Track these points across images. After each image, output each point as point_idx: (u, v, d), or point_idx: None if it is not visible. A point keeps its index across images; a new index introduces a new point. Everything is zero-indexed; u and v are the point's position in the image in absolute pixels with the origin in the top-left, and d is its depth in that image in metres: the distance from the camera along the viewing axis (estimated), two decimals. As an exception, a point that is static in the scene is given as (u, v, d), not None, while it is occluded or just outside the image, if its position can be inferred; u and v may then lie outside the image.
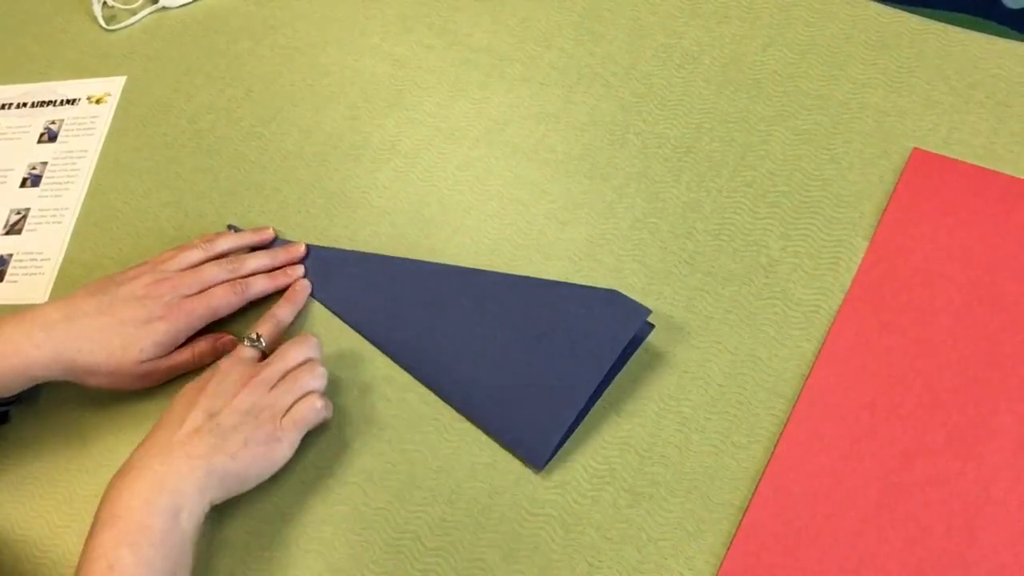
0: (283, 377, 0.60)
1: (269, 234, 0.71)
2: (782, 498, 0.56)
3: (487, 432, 0.61)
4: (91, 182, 0.80)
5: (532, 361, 0.61)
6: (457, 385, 0.63)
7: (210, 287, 0.66)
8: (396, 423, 0.63)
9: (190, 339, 0.66)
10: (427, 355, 0.64)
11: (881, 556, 0.53)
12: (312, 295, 0.69)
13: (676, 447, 0.59)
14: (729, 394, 0.60)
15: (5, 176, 0.83)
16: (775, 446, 0.57)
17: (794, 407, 0.58)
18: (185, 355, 0.65)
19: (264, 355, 0.63)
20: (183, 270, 0.66)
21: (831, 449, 0.56)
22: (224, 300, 0.66)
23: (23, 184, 0.82)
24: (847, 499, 0.55)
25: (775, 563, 0.54)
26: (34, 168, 0.83)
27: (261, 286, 0.68)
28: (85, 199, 0.80)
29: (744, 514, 0.56)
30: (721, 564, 0.55)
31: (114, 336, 0.61)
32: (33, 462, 0.67)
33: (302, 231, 0.73)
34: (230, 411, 0.57)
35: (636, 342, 0.61)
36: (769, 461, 0.57)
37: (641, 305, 0.61)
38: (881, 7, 0.71)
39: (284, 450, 0.59)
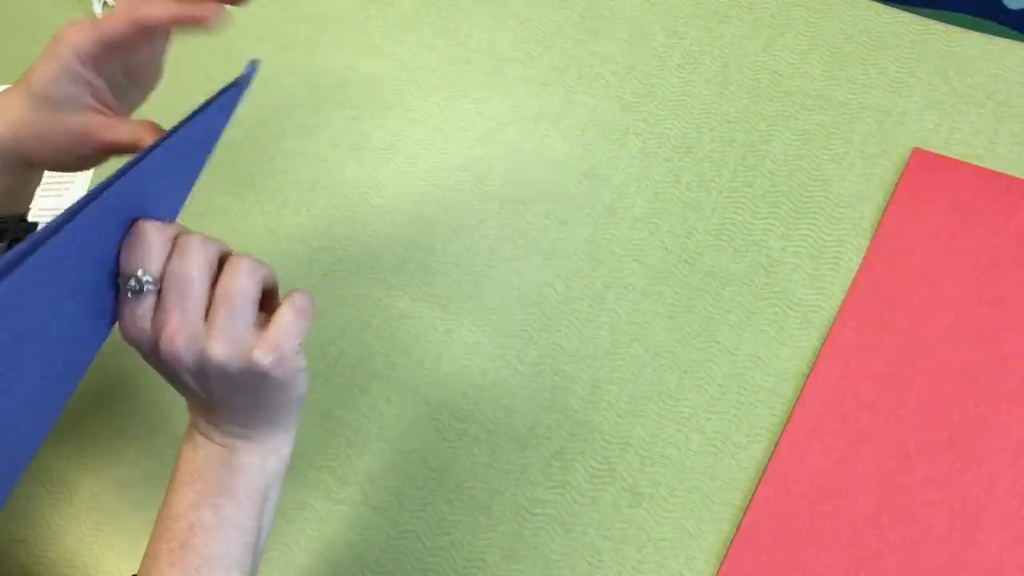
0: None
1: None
2: (782, 498, 0.56)
3: None
4: (91, 181, 0.80)
5: None
6: None
7: None
8: (396, 423, 0.63)
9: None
10: None
11: (881, 556, 0.53)
12: None
13: (676, 447, 0.59)
14: (729, 394, 0.60)
15: (5, 176, 0.83)
16: (775, 446, 0.57)
17: (794, 407, 0.58)
18: (122, 132, 0.48)
19: None
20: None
21: (831, 449, 0.56)
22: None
23: (23, 184, 0.82)
24: (847, 499, 0.55)
25: (775, 563, 0.54)
26: (34, 168, 0.83)
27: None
28: (85, 199, 0.80)
29: (744, 514, 0.56)
30: (721, 564, 0.55)
31: (22, 80, 0.48)
32: (33, 462, 0.67)
33: (302, 231, 0.73)
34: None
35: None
36: (769, 461, 0.57)
37: None
38: (882, 7, 0.71)
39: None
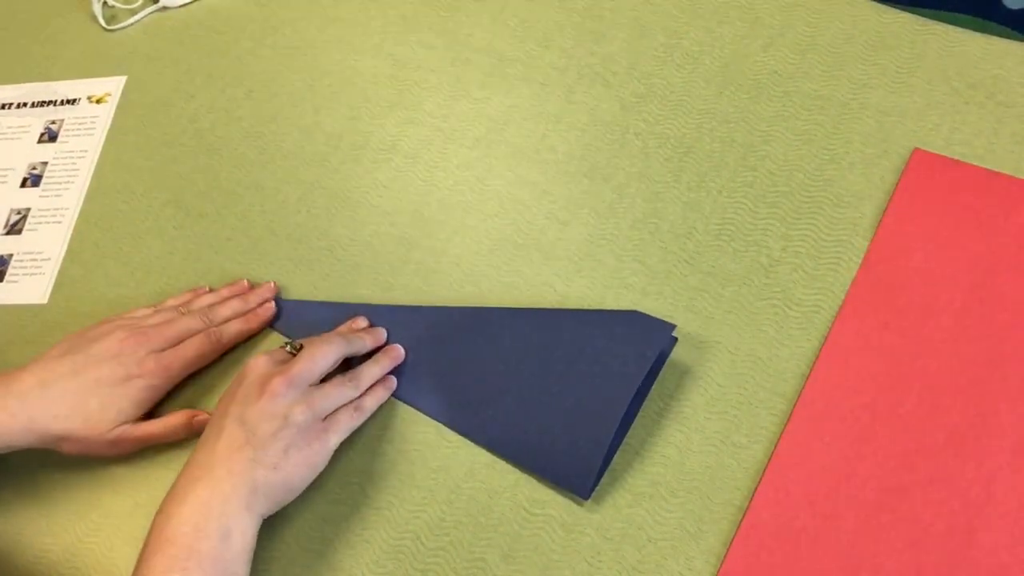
0: (321, 382, 0.60)
1: (244, 285, 0.70)
2: (782, 498, 0.56)
3: (528, 469, 0.60)
4: (91, 182, 0.80)
5: (562, 393, 0.60)
6: (489, 427, 0.61)
7: (184, 339, 0.65)
8: (396, 423, 0.63)
9: (161, 408, 0.65)
10: (453, 401, 0.63)
11: (881, 556, 0.53)
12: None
13: (676, 447, 0.59)
14: (729, 394, 0.60)
15: (5, 176, 0.83)
16: (775, 446, 0.57)
17: (794, 407, 0.58)
18: (156, 427, 0.63)
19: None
20: (156, 325, 0.65)
21: (831, 449, 0.56)
22: (198, 351, 0.64)
23: (23, 184, 0.82)
24: (847, 499, 0.55)
25: (775, 563, 0.54)
26: (34, 168, 0.83)
27: (235, 329, 0.66)
28: (85, 199, 0.80)
29: (744, 514, 0.56)
30: (721, 564, 0.55)
31: (91, 398, 0.60)
32: (33, 464, 0.67)
33: (302, 231, 0.73)
34: (262, 416, 0.56)
35: (662, 358, 0.61)
36: (769, 461, 0.57)
37: (665, 322, 0.60)
38: (882, 7, 0.71)
39: (327, 452, 0.58)
